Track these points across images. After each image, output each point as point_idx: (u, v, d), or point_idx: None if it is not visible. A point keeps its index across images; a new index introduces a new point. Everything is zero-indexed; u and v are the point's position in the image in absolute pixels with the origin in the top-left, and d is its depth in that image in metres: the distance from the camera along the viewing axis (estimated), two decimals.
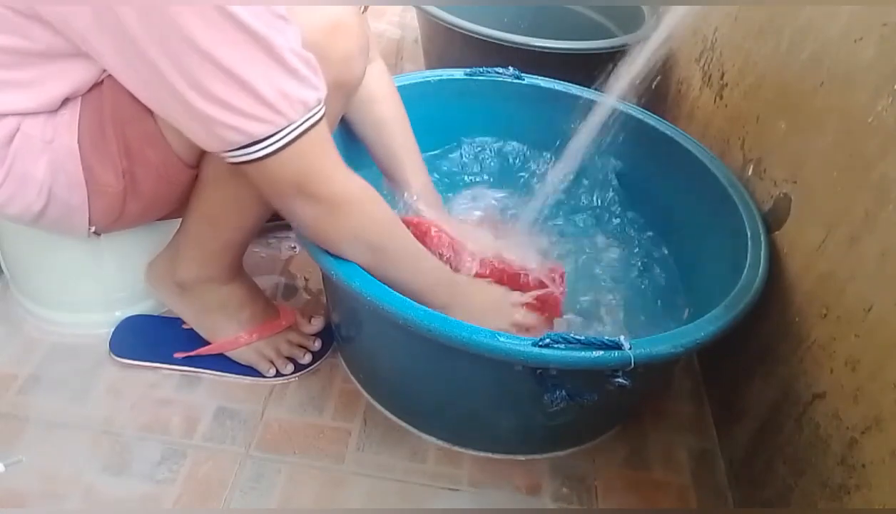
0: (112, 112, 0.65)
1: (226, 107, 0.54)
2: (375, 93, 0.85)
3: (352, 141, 0.88)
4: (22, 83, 0.63)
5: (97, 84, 0.65)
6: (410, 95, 0.93)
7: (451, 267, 0.80)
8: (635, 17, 1.33)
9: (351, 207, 0.65)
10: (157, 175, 0.69)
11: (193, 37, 0.50)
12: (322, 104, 0.59)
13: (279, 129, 0.56)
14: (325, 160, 0.62)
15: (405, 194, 0.89)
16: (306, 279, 1.02)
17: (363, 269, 0.67)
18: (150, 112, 0.64)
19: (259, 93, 0.53)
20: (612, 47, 1.19)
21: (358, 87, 0.72)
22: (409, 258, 0.72)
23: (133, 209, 0.73)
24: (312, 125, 0.58)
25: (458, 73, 1.01)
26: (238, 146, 0.56)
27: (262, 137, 0.56)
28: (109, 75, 0.63)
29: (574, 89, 1.01)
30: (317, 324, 0.90)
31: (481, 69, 1.02)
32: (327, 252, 0.67)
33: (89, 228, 0.74)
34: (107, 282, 0.89)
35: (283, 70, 0.54)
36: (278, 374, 0.86)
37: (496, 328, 0.63)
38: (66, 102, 0.66)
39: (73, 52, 0.60)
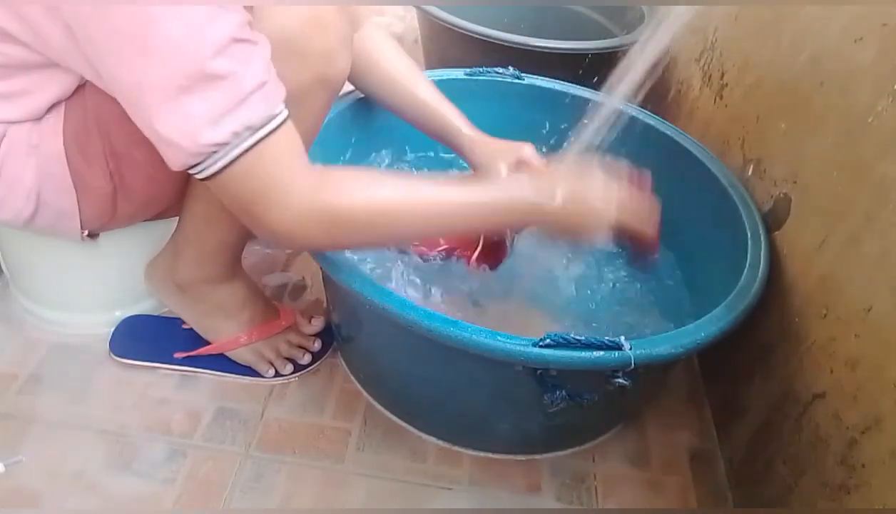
0: (96, 115, 0.65)
1: (156, 135, 0.54)
2: (376, 49, 0.80)
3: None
4: (5, 95, 0.63)
5: (80, 87, 0.65)
6: None
7: None
8: (635, 17, 1.33)
9: (309, 228, 0.59)
10: (146, 174, 0.69)
11: (136, 67, 0.51)
12: (273, 118, 0.55)
13: (208, 155, 0.54)
14: (275, 180, 0.56)
15: (458, 141, 0.84)
16: (311, 275, 1.02)
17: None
18: None
19: (186, 122, 0.52)
20: (612, 47, 1.19)
21: (343, 81, 0.69)
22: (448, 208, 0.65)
23: (125, 209, 0.73)
24: (258, 142, 0.54)
25: (458, 73, 1.01)
26: (186, 167, 0.55)
27: (195, 163, 0.54)
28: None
29: (574, 89, 1.01)
30: (317, 324, 0.90)
31: (481, 69, 1.02)
32: (327, 251, 0.67)
33: (82, 232, 0.74)
34: (107, 282, 0.89)
35: (221, 97, 0.52)
36: (277, 374, 0.86)
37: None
38: (50, 107, 0.66)
39: (51, 63, 0.60)
